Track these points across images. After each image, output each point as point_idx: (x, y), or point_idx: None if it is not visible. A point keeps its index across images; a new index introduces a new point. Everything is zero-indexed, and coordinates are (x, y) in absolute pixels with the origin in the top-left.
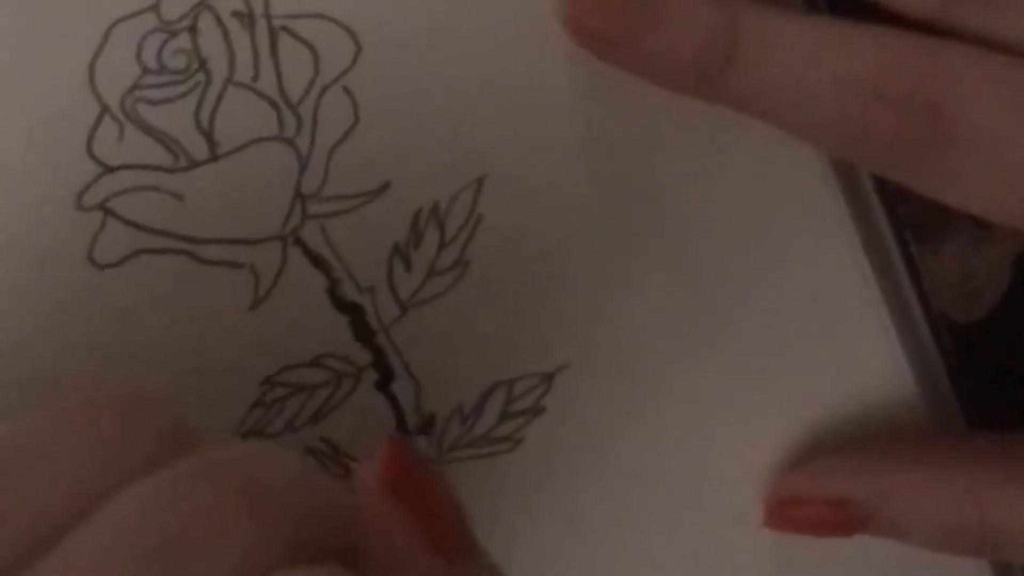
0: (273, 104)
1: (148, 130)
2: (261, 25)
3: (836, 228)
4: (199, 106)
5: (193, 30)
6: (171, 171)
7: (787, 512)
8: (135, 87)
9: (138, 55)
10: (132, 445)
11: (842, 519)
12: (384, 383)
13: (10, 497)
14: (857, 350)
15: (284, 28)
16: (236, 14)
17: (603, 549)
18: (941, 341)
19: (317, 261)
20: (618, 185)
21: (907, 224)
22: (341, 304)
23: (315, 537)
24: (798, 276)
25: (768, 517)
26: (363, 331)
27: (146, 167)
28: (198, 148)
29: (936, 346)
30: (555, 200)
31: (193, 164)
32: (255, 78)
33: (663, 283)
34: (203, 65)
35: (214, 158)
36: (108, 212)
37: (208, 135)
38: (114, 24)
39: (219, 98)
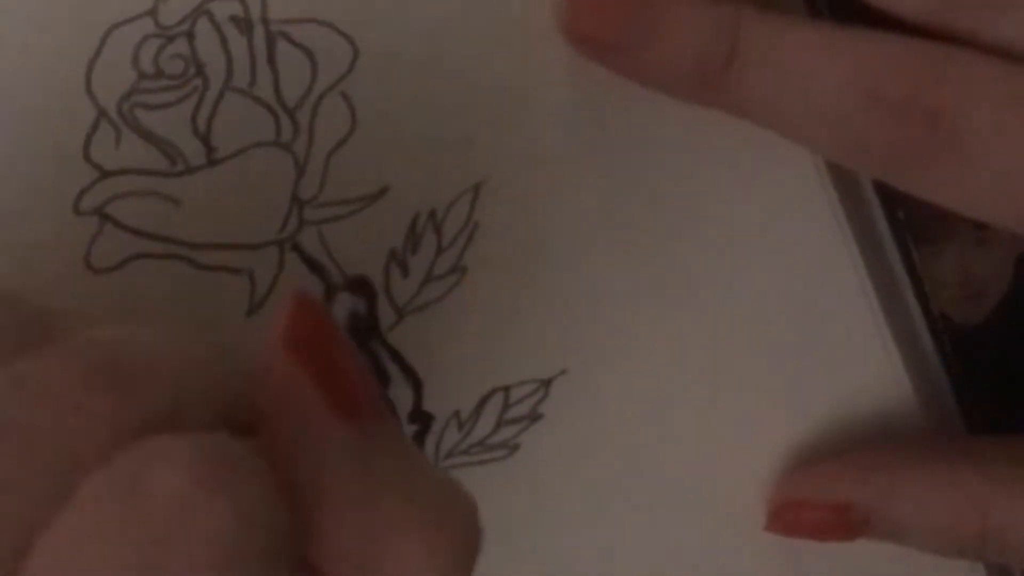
0: (270, 109)
1: (145, 135)
2: (258, 30)
3: (833, 233)
4: (196, 111)
5: (190, 35)
6: (168, 176)
7: (788, 516)
8: (132, 92)
9: (135, 60)
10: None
11: (843, 523)
12: (380, 389)
13: None
14: (855, 354)
15: (281, 33)
16: (233, 19)
17: (601, 556)
18: (941, 343)
19: (314, 266)
20: (615, 191)
21: (907, 226)
22: (337, 309)
23: (201, 409)
24: (795, 281)
25: (769, 522)
26: (359, 336)
27: (143, 172)
28: (195, 153)
29: (936, 348)
30: (552, 206)
31: (190, 169)
32: (252, 83)
33: (660, 289)
34: (200, 70)
35: (211, 163)
36: (105, 217)
37: (205, 140)
38: (111, 29)
39: (216, 103)
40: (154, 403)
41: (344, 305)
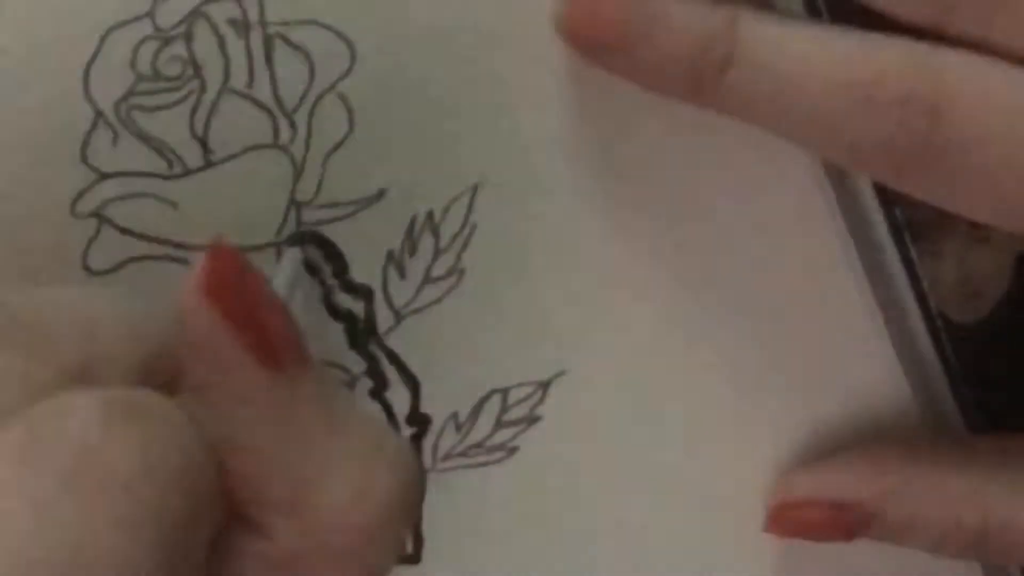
0: (268, 111)
1: (143, 137)
2: (256, 32)
3: (831, 233)
4: (194, 113)
5: (188, 37)
6: (166, 178)
7: (787, 517)
8: (130, 94)
9: (133, 62)
10: None
11: (843, 523)
12: (378, 391)
13: None
14: (854, 354)
15: (279, 35)
16: (231, 21)
17: (600, 557)
18: (940, 343)
19: (312, 268)
20: (612, 192)
21: (906, 226)
22: (335, 312)
23: (118, 363)
24: (793, 281)
25: (769, 522)
26: (357, 338)
27: (140, 174)
28: (193, 155)
29: (935, 348)
30: (550, 207)
31: (187, 171)
32: (250, 85)
33: (658, 290)
34: (198, 72)
35: (209, 165)
36: (102, 219)
37: (203, 142)
38: (109, 31)
39: (214, 105)
40: (65, 359)
41: (342, 307)
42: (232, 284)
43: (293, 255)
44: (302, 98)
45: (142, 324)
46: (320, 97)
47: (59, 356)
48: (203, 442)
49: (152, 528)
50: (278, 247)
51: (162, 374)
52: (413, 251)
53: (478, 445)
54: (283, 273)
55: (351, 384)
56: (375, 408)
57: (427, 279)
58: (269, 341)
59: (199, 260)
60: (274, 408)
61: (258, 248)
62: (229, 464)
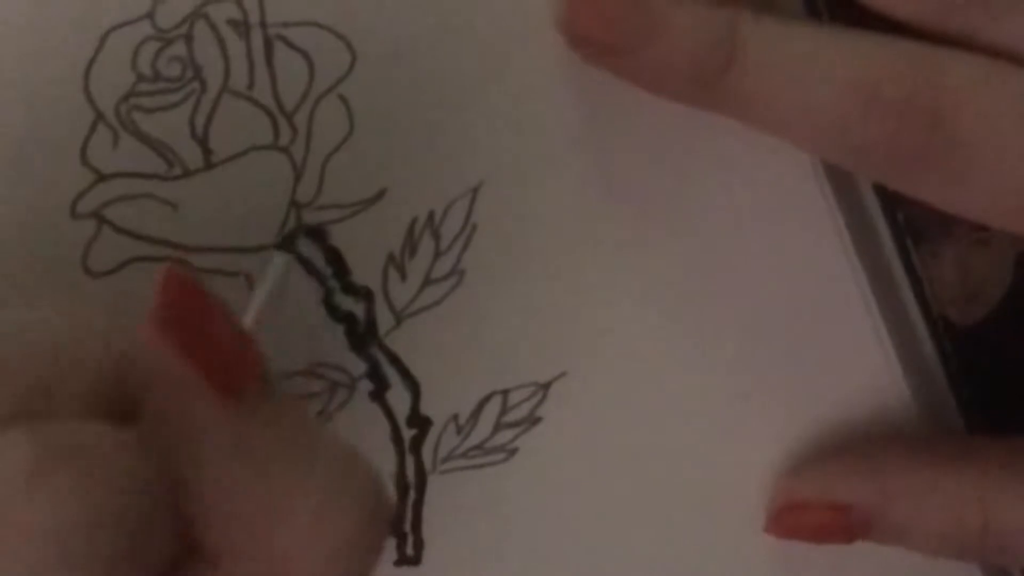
0: (268, 112)
1: (143, 138)
2: (256, 33)
3: (831, 234)
4: (194, 114)
5: (188, 38)
6: (165, 179)
7: (788, 519)
8: (130, 95)
9: (133, 63)
10: None
11: (843, 525)
12: (379, 393)
13: None
14: (854, 355)
15: (279, 36)
16: (231, 22)
17: (600, 559)
18: (940, 344)
19: (312, 270)
20: (612, 194)
21: (906, 227)
22: (336, 313)
23: (69, 392)
24: (794, 283)
25: (769, 524)
26: (358, 341)
27: (140, 175)
28: (193, 156)
29: (935, 349)
30: (550, 209)
31: (187, 172)
32: (250, 86)
33: (658, 291)
34: (198, 73)
35: (209, 166)
36: (102, 220)
37: (203, 143)
38: (109, 31)
39: (214, 106)
40: (21, 385)
41: (342, 308)
42: (186, 314)
43: (280, 261)
44: (302, 99)
45: (106, 348)
46: (320, 98)
47: (15, 383)
48: (149, 480)
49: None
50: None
51: (126, 399)
52: (413, 252)
53: (478, 446)
54: (267, 280)
55: (351, 386)
56: (375, 410)
57: (427, 280)
58: (226, 372)
59: (154, 285)
60: (232, 439)
61: (257, 249)
62: (185, 495)
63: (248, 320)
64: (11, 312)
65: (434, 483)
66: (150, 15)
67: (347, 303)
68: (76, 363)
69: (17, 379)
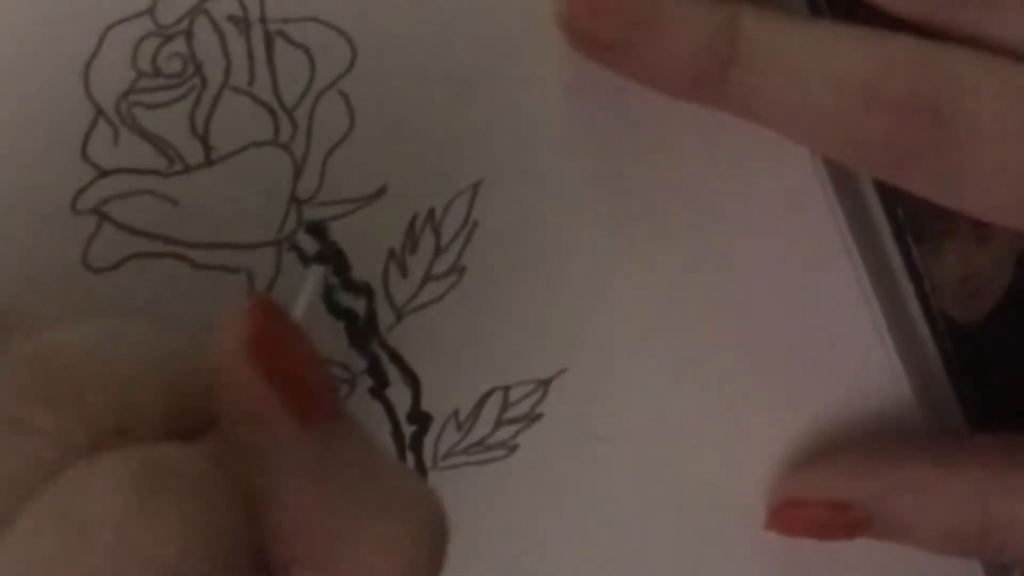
0: (269, 108)
1: (143, 134)
2: (257, 29)
3: (832, 231)
4: (194, 110)
5: (189, 34)
6: (166, 175)
7: (788, 515)
8: (130, 91)
9: (133, 59)
10: None
11: (844, 522)
12: (379, 389)
13: None
14: (855, 352)
15: (280, 32)
16: (232, 18)
17: (600, 555)
18: (941, 341)
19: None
20: (614, 191)
21: (907, 224)
22: (336, 309)
23: (151, 416)
24: (795, 280)
25: (769, 520)
26: (358, 337)
27: (141, 171)
28: (193, 152)
29: (936, 346)
30: (551, 206)
31: (188, 168)
32: (251, 82)
33: (659, 288)
34: (198, 69)
35: (209, 162)
36: (103, 216)
37: (203, 139)
38: (109, 28)
39: (214, 102)
40: (98, 415)
41: (342, 305)
42: (272, 342)
43: (316, 273)
44: (303, 95)
45: (174, 371)
46: (321, 94)
47: (92, 412)
48: (235, 502)
49: None
50: (279, 245)
51: (194, 419)
52: (414, 249)
53: (479, 443)
54: (305, 292)
55: (351, 382)
56: (375, 406)
57: (428, 277)
58: (306, 398)
59: (236, 314)
60: (308, 462)
61: (257, 245)
62: (259, 516)
63: None
64: (80, 330)
65: (434, 479)
66: (150, 11)
67: (347, 299)
68: (150, 388)
69: (95, 409)
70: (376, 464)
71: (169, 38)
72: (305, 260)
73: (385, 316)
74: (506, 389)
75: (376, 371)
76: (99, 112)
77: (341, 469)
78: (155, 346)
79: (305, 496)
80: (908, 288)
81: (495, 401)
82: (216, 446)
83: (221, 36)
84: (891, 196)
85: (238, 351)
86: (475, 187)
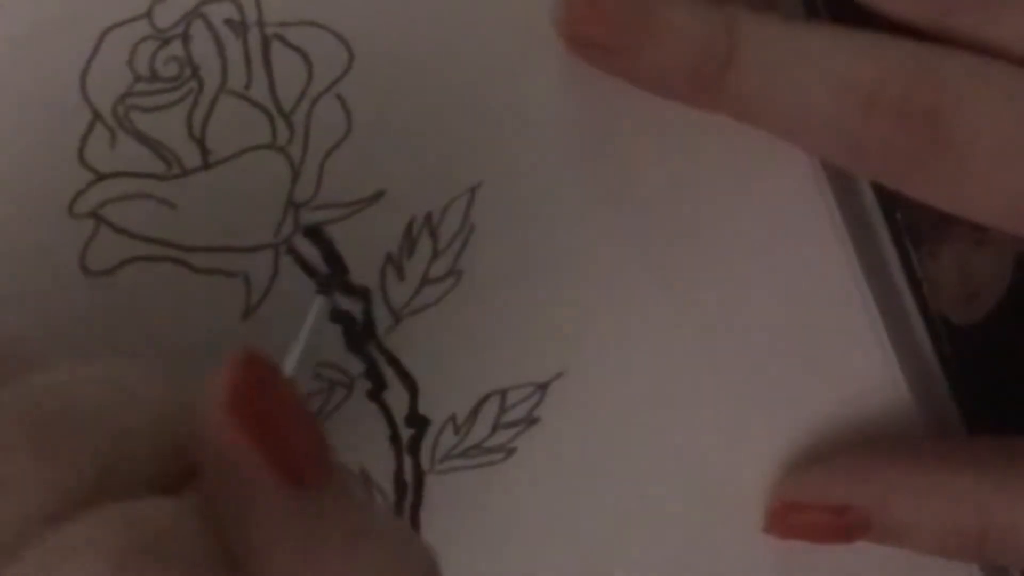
0: (266, 112)
1: (140, 137)
2: (254, 33)
3: (830, 235)
4: (191, 114)
5: (186, 37)
6: (163, 179)
7: (787, 519)
8: (127, 94)
9: (130, 62)
10: None
11: (842, 525)
12: (376, 392)
13: None
14: (853, 356)
15: (277, 36)
16: (229, 22)
17: (598, 559)
18: (939, 344)
19: (309, 270)
20: (611, 194)
21: (905, 228)
22: (333, 313)
23: (136, 467)
24: (793, 283)
25: (768, 524)
26: (356, 340)
27: (138, 174)
28: (190, 156)
29: (934, 349)
30: (548, 209)
31: (185, 172)
32: (248, 86)
33: (657, 291)
34: (195, 72)
35: (206, 166)
36: (100, 219)
37: (200, 143)
38: (106, 31)
39: (211, 106)
40: (90, 463)
41: (340, 309)
42: (258, 401)
43: (320, 304)
44: (300, 99)
45: (165, 418)
46: (318, 98)
47: (85, 460)
48: (217, 564)
49: None
50: (276, 249)
51: (183, 464)
52: (411, 252)
53: (476, 446)
54: (309, 324)
55: (349, 386)
56: (373, 410)
57: (425, 280)
58: (293, 460)
59: (224, 369)
60: (294, 524)
61: (255, 249)
62: (237, 567)
63: (289, 366)
64: (74, 372)
65: (432, 483)
66: (148, 15)
67: (345, 303)
68: (142, 437)
69: (87, 456)
70: (367, 523)
71: (166, 41)
72: (303, 264)
73: (383, 319)
74: (503, 393)
75: (374, 374)
76: (96, 116)
77: (329, 531)
78: (146, 393)
79: (290, 559)
80: (906, 291)
81: (492, 405)
82: (201, 499)
83: (218, 39)
84: (889, 199)
85: (219, 410)
86: (472, 191)
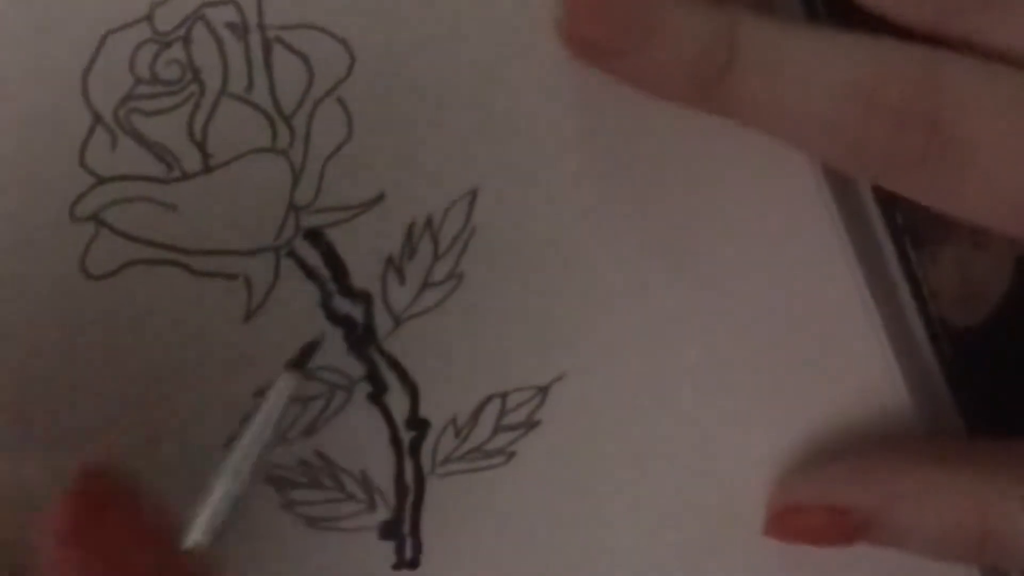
0: (267, 115)
1: (141, 141)
2: (255, 36)
3: (830, 237)
4: (192, 117)
5: (187, 41)
6: (164, 182)
7: (787, 521)
8: (128, 97)
9: (131, 65)
10: None
11: (843, 527)
12: (377, 395)
13: None
14: (853, 358)
15: (278, 39)
16: (230, 25)
17: (598, 562)
18: (939, 346)
19: (310, 273)
20: (612, 196)
21: (905, 230)
22: (334, 316)
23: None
24: (793, 285)
25: (768, 527)
26: (357, 343)
27: (139, 178)
28: (191, 159)
29: (934, 351)
30: (549, 212)
31: (186, 175)
32: (249, 89)
33: (656, 293)
34: (196, 76)
35: (207, 169)
36: (101, 223)
37: (201, 146)
38: (108, 34)
39: (212, 109)
40: None
41: (340, 311)
42: (90, 531)
43: (287, 381)
44: (301, 102)
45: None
46: (319, 101)
47: None
48: None
49: None
50: (277, 252)
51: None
52: (412, 255)
53: (477, 449)
54: (270, 403)
55: (349, 389)
56: (374, 413)
57: (426, 283)
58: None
59: (62, 495)
60: None
61: (256, 252)
62: None
63: (247, 439)
64: None
65: (433, 486)
66: (148, 18)
67: (345, 306)
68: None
69: None
70: None
71: (167, 45)
72: (303, 267)
73: (383, 323)
74: (504, 396)
75: (374, 377)
76: (97, 119)
77: None
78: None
79: None
80: (906, 293)
81: (493, 408)
82: None
83: (219, 43)
84: (889, 202)
85: (50, 540)
86: (473, 193)
